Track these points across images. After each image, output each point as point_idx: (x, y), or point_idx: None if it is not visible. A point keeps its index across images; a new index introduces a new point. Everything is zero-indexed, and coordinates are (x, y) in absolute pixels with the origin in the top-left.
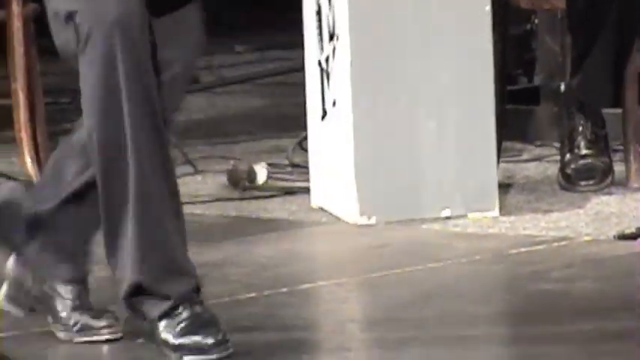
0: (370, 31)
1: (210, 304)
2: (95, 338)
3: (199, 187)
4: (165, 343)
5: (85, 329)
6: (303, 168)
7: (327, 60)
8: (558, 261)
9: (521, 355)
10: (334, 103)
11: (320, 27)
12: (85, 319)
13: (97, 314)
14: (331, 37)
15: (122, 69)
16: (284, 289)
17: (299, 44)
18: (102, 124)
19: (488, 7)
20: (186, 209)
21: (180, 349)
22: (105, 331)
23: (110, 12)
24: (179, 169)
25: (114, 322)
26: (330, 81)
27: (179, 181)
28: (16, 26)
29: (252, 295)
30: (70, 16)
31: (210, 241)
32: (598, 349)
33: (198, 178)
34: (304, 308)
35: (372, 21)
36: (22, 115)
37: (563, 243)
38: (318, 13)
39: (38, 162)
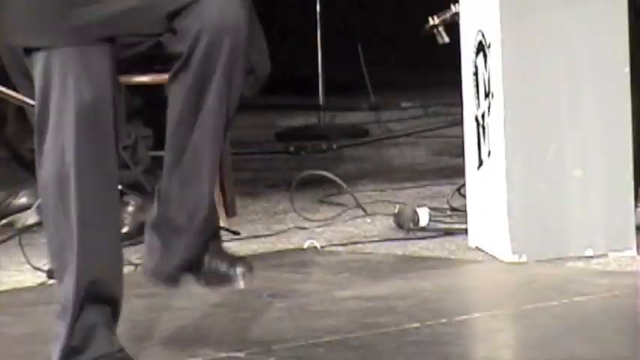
0: (522, 89)
1: (378, 333)
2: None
3: (369, 229)
4: None
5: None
6: (461, 212)
7: (482, 115)
8: None
9: None
10: (489, 154)
11: (477, 86)
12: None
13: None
14: (487, 95)
15: (75, 159)
16: (444, 320)
17: (458, 101)
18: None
19: (627, 69)
20: (357, 248)
21: None
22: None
23: (78, 99)
24: (350, 213)
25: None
26: (485, 134)
27: (350, 222)
28: None
29: (416, 325)
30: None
31: (379, 276)
32: None
33: (368, 220)
34: (462, 337)
35: (523, 80)
36: None
37: None
38: (475, 73)
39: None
